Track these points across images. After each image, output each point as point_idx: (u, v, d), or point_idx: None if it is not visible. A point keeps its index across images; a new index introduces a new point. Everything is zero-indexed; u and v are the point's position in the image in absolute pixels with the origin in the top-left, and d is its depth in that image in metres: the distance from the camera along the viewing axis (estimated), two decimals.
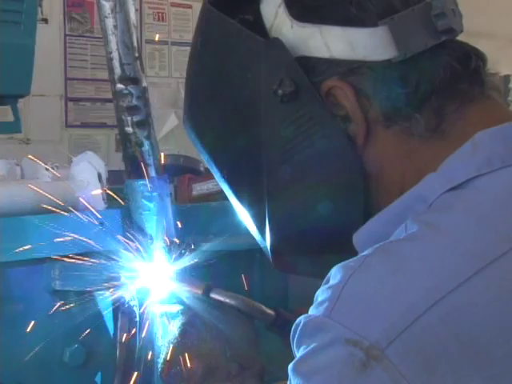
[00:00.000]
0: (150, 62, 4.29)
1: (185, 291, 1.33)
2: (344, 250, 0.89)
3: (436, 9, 0.90)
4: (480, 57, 0.94)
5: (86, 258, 1.47)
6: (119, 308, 1.43)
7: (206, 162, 1.02)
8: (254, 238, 1.03)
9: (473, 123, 0.89)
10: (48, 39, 3.82)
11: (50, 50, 3.84)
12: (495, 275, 0.76)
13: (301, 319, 0.79)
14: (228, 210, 1.06)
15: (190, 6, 4.38)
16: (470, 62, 0.92)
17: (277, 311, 1.35)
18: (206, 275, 1.41)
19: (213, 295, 1.32)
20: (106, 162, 1.64)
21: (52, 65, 3.92)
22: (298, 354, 0.78)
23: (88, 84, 4.08)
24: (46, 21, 3.95)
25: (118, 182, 1.57)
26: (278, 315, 1.35)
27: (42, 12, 3.86)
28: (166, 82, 4.29)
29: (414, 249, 0.79)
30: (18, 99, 1.79)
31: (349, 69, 0.90)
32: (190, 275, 1.38)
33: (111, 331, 1.49)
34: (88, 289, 1.44)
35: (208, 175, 1.73)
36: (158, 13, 4.35)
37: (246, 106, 0.93)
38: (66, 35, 4.07)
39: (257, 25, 0.94)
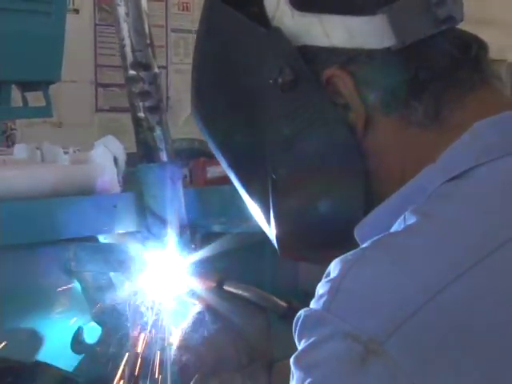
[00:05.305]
0: (176, 49, 4.37)
1: (198, 282, 1.31)
2: (346, 240, 0.88)
3: None
4: (481, 45, 0.92)
5: (100, 240, 1.50)
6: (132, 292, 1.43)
7: (212, 150, 1.01)
8: None
9: (472, 112, 0.87)
10: (79, 28, 3.91)
11: (81, 38, 3.94)
12: (494, 266, 0.74)
13: (301, 313, 0.78)
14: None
15: None
16: (471, 50, 0.90)
17: (289, 302, 1.33)
18: (218, 260, 1.40)
19: (226, 287, 1.29)
20: (132, 144, 1.66)
21: (83, 53, 4.01)
22: (299, 347, 0.77)
23: (116, 70, 4.13)
24: (77, 11, 4.05)
25: None
26: (290, 306, 1.32)
27: (73, 3, 3.96)
28: (190, 68, 4.32)
29: (412, 241, 0.77)
30: (49, 85, 1.84)
31: (348, 57, 0.88)
32: (203, 263, 1.37)
33: (127, 310, 1.51)
34: (102, 270, 1.47)
35: None
36: (183, 3, 4.46)
37: (248, 96, 0.93)
38: (95, 25, 4.16)
39: (261, 15, 0.93)
